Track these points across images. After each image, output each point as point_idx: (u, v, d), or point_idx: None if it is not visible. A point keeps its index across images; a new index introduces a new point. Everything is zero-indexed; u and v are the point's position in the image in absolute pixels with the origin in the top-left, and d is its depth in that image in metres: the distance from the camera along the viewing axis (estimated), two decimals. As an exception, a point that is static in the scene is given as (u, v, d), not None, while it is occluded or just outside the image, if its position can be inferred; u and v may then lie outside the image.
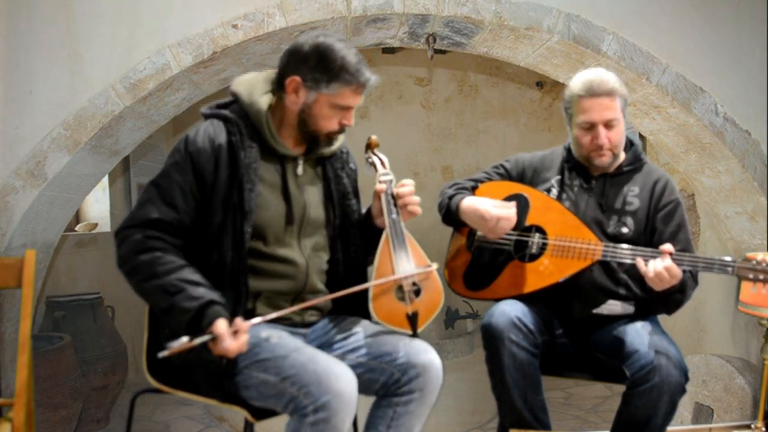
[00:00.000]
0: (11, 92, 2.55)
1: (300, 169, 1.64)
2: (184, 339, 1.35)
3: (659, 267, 1.69)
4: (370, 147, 1.76)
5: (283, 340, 1.48)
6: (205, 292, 1.42)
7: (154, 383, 1.59)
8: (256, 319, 1.47)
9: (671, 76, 2.80)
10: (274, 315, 1.50)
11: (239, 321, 1.40)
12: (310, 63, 1.53)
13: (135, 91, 2.58)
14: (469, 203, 1.90)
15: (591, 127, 1.85)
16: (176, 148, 1.55)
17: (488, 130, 6.10)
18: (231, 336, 1.37)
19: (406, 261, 1.58)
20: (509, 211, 1.84)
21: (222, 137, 1.54)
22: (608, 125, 1.84)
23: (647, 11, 2.81)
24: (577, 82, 1.87)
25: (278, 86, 1.60)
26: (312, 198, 1.65)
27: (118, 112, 2.58)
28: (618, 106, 1.84)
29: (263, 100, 1.58)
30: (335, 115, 1.57)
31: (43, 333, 3.39)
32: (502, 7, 2.70)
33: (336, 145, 1.69)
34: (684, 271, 1.75)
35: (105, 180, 4.34)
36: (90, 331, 3.55)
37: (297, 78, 1.54)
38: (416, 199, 1.65)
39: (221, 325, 1.37)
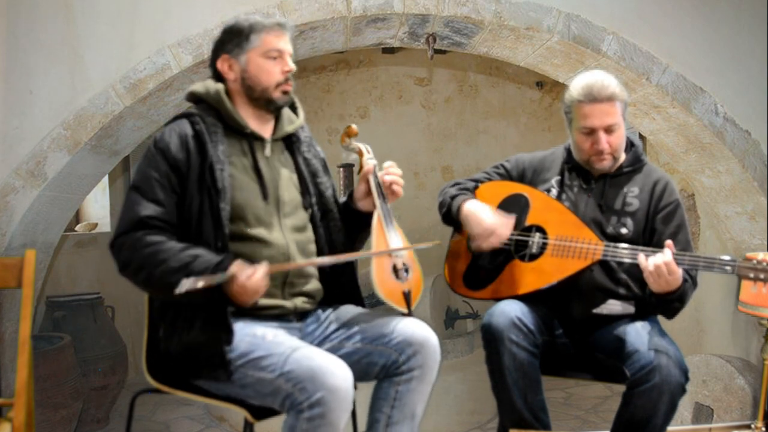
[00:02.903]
0: (11, 92, 2.55)
1: (268, 150, 1.68)
2: (202, 281, 1.36)
3: (659, 261, 1.69)
4: (349, 135, 1.82)
5: (278, 337, 1.49)
6: (214, 257, 1.46)
7: (154, 383, 1.58)
8: (274, 266, 1.50)
9: (671, 76, 2.80)
10: (285, 266, 1.55)
11: (258, 264, 1.45)
12: (225, 37, 1.64)
13: (135, 91, 2.58)
14: (470, 208, 1.91)
15: (591, 132, 1.85)
16: (147, 151, 1.59)
17: (488, 130, 6.10)
18: (248, 276, 1.41)
19: (396, 239, 1.64)
20: (505, 223, 1.85)
21: (188, 129, 1.59)
22: (608, 130, 1.84)
23: (647, 11, 2.81)
24: (577, 87, 1.86)
25: (218, 79, 1.67)
26: (283, 178, 1.69)
27: (118, 112, 2.58)
28: (618, 111, 1.84)
29: (219, 84, 1.65)
30: (272, 65, 1.63)
31: (43, 333, 3.40)
32: (502, 7, 2.70)
33: (297, 123, 1.74)
34: (685, 280, 1.75)
35: (105, 180, 4.35)
36: (90, 331, 3.55)
37: (225, 55, 1.64)
38: (401, 180, 1.71)
39: (237, 264, 1.43)
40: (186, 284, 1.33)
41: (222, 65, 1.64)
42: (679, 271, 1.70)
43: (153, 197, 1.52)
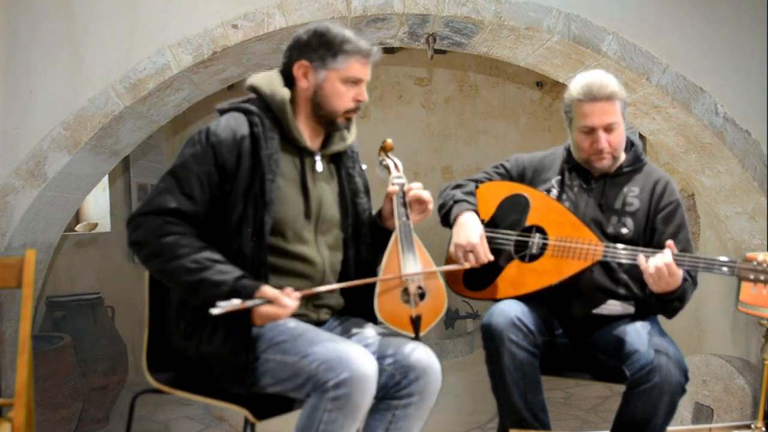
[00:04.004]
0: (11, 92, 2.55)
1: (319, 166, 1.65)
2: (236, 301, 1.36)
3: (659, 263, 1.69)
4: (384, 150, 1.78)
5: (301, 324, 1.49)
6: (234, 269, 1.44)
7: (154, 383, 1.58)
8: (305, 291, 1.50)
9: (671, 76, 2.80)
10: (317, 290, 1.54)
11: (289, 289, 1.44)
12: (313, 45, 1.57)
13: (135, 91, 2.58)
14: (465, 221, 1.89)
15: (591, 131, 1.85)
16: (196, 139, 1.54)
17: (488, 130, 6.10)
18: (283, 305, 1.41)
19: (413, 263, 1.59)
20: (486, 253, 1.83)
21: (244, 129, 1.55)
22: (608, 129, 1.84)
23: (647, 11, 2.81)
24: (576, 86, 1.86)
25: (287, 80, 1.62)
26: (327, 195, 1.66)
27: (118, 112, 2.58)
28: (618, 110, 1.84)
29: (285, 91, 1.60)
30: (348, 90, 1.58)
31: (43, 333, 3.39)
32: (502, 7, 2.70)
33: (350, 140, 1.70)
34: (685, 279, 1.75)
35: (105, 180, 4.34)
36: (90, 331, 3.55)
37: (305, 62, 1.58)
38: (430, 207, 1.69)
39: (269, 288, 1.41)
40: (221, 308, 1.34)
41: (298, 70, 1.59)
42: (680, 272, 1.70)
43: (188, 191, 1.49)
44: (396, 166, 1.75)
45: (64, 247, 3.93)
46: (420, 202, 1.67)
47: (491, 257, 1.86)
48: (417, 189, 1.67)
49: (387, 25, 2.79)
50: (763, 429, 2.46)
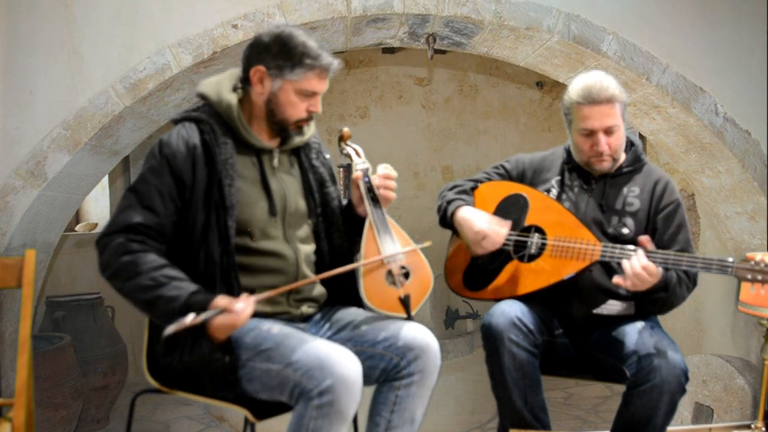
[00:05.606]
0: (11, 92, 2.55)
1: (276, 161, 1.66)
2: (189, 317, 1.35)
3: (637, 268, 1.69)
4: (342, 139, 1.79)
5: (284, 330, 1.49)
6: (189, 285, 1.43)
7: (154, 383, 1.58)
8: (261, 295, 1.48)
9: (671, 76, 2.80)
10: (271, 293, 1.51)
11: (245, 296, 1.43)
12: (273, 51, 1.55)
13: (135, 91, 2.58)
14: (463, 215, 1.91)
15: (590, 134, 1.85)
16: (151, 153, 1.55)
17: (488, 130, 6.10)
18: (240, 309, 1.39)
19: (391, 245, 1.60)
20: (498, 228, 1.85)
21: (195, 137, 1.55)
22: (608, 132, 1.84)
23: (647, 11, 2.81)
24: (576, 88, 1.86)
25: (243, 81, 1.62)
26: (291, 189, 1.67)
27: (118, 112, 2.59)
28: (617, 112, 1.83)
29: (231, 96, 1.59)
30: (302, 102, 1.59)
31: (43, 333, 3.40)
32: (502, 7, 2.70)
33: (308, 135, 1.71)
34: (667, 269, 1.75)
35: (105, 180, 4.35)
36: (90, 331, 3.55)
37: (261, 67, 1.56)
38: (391, 184, 1.68)
39: (222, 298, 1.40)
40: (173, 327, 1.33)
41: (254, 75, 1.57)
42: (658, 269, 1.70)
43: (148, 204, 1.49)
44: (357, 152, 1.75)
45: (64, 247, 3.93)
46: (379, 185, 1.66)
47: (505, 231, 1.86)
48: (383, 171, 1.67)
49: (387, 25, 2.79)
50: (763, 429, 2.46)
